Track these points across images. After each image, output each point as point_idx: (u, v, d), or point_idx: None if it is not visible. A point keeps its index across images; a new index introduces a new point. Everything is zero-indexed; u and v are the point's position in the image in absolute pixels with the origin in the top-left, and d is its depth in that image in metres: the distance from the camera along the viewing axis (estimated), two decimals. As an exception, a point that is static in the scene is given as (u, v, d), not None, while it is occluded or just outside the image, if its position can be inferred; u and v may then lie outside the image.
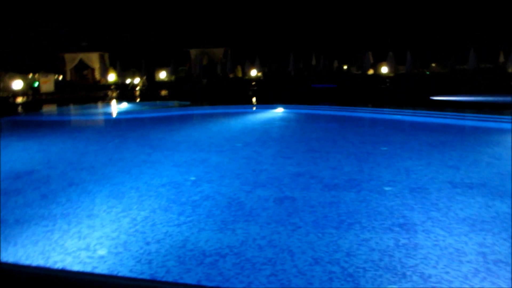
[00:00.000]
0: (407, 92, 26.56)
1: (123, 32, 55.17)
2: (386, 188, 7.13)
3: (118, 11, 54.69)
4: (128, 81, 46.83)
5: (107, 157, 9.51)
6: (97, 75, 51.07)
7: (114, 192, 6.93)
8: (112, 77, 49.72)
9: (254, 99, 22.75)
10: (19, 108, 23.17)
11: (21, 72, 43.09)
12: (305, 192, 7.05)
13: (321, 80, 29.02)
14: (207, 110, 19.21)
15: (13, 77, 36.72)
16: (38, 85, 39.59)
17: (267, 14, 52.49)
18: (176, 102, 22.41)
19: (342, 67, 47.30)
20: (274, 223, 5.70)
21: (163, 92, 35.14)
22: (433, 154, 9.59)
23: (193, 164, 8.77)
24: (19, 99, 31.01)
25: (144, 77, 46.69)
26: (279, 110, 17.79)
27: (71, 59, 49.89)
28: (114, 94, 34.14)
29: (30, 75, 46.63)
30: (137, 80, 46.15)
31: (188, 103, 21.57)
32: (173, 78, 48.16)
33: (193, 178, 7.80)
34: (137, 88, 38.09)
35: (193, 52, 50.17)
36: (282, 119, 16.01)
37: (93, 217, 5.83)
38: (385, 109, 16.85)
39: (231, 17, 53.30)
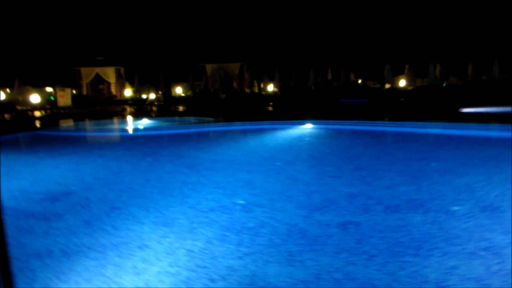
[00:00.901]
0: (435, 105, 25.84)
1: (139, 47, 55.15)
2: (454, 208, 6.54)
3: (134, 25, 54.74)
4: (144, 96, 46.62)
5: (144, 177, 8.94)
6: (113, 89, 50.96)
7: (161, 218, 6.35)
8: (128, 92, 49.62)
9: (279, 115, 22.14)
10: (40, 122, 22.73)
11: (38, 86, 43.12)
12: (367, 215, 6.45)
13: (347, 94, 28.47)
14: (233, 126, 18.68)
15: (31, 91, 36.65)
16: (55, 99, 39.48)
17: (283, 30, 52.19)
18: (199, 118, 21.86)
19: (357, 81, 46.77)
20: (344, 252, 5.11)
21: (181, 108, 34.69)
22: (490, 169, 8.93)
23: (238, 186, 8.18)
24: (38, 113, 30.77)
25: (160, 92, 46.46)
26: (308, 126, 17.19)
27: (88, 74, 49.85)
28: (133, 110, 33.74)
29: (47, 89, 46.67)
30: (152, 96, 45.89)
31: (211, 119, 21.04)
32: (189, 93, 47.94)
33: (242, 202, 7.20)
34: (155, 103, 37.63)
35: (209, 67, 49.93)
36: (314, 135, 15.42)
37: (146, 248, 5.25)
38: (419, 123, 16.19)
39: (248, 32, 53.07)
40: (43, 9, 52.68)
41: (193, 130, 18.26)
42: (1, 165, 10.39)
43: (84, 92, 50.38)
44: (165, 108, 33.97)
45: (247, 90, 45.85)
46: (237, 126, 18.67)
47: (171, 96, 46.62)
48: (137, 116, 27.76)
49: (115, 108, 38.73)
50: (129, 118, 25.38)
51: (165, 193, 7.67)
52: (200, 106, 33.53)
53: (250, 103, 34.06)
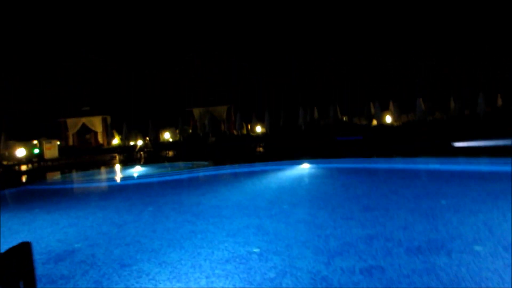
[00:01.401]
0: (427, 140, 25.91)
1: (125, 94, 55.23)
2: (477, 248, 6.35)
3: (119, 72, 54.97)
4: (132, 143, 46.32)
5: (149, 229, 8.57)
6: (100, 138, 50.62)
7: (176, 274, 6.03)
8: (115, 140, 49.30)
9: (273, 155, 21.95)
10: (29, 177, 22.18)
11: (23, 140, 42.62)
12: (390, 259, 6.20)
13: (337, 132, 28.49)
14: (229, 170, 18.39)
15: (16, 145, 36.10)
16: (40, 151, 38.90)
17: (265, 70, 52.82)
18: (193, 163, 21.55)
19: (343, 118, 47.01)
20: (376, 301, 4.85)
21: (171, 153, 34.36)
22: (503, 206, 8.76)
23: (249, 232, 7.87)
24: (24, 167, 30.17)
25: (148, 138, 46.17)
26: (306, 166, 17.00)
27: (74, 124, 49.57)
28: (123, 157, 33.32)
29: (34, 142, 46.12)
30: (140, 142, 45.55)
31: (205, 163, 20.75)
32: (178, 138, 47.79)
33: (257, 250, 6.89)
34: (145, 150, 37.24)
35: (196, 111, 50.04)
36: (313, 175, 15.20)
37: (167, 310, 4.89)
38: (417, 159, 16.11)
39: (233, 75, 53.60)
40: (24, 61, 52.78)
41: (189, 175, 17.95)
42: (3, 226, 9.96)
43: (71, 142, 49.92)
44: (155, 154, 33.60)
45: (235, 132, 45.83)
46: (233, 169, 18.39)
47: (160, 142, 46.34)
48: (128, 164, 27.33)
49: (104, 157, 38.27)
50: (121, 167, 24.93)
51: (175, 245, 7.32)
52: (190, 151, 33.28)
53: (241, 145, 33.89)
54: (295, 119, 39.06)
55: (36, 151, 38.57)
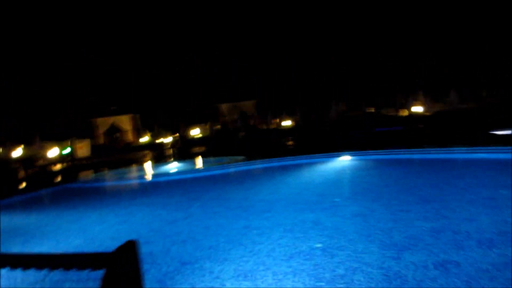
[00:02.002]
0: (464, 129, 25.17)
1: (154, 93, 55.51)
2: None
3: (145, 71, 55.24)
4: (163, 140, 46.51)
5: (202, 225, 8.38)
6: (129, 136, 51.00)
7: (240, 272, 5.83)
8: (145, 137, 49.64)
9: (309, 149, 21.56)
10: (66, 175, 22.31)
11: (55, 140, 43.21)
12: (463, 252, 5.89)
13: (369, 124, 27.97)
14: (269, 163, 18.09)
15: (49, 146, 36.60)
16: (71, 151, 39.37)
17: (295, 63, 52.35)
18: (229, 158, 21.32)
19: (371, 110, 46.21)
20: (460, 298, 4.54)
21: (200, 149, 34.25)
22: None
23: (306, 227, 7.60)
24: (59, 166, 30.51)
25: (177, 135, 46.29)
26: (347, 158, 16.60)
27: (103, 123, 50.07)
28: (155, 154, 33.39)
29: (65, 142, 46.78)
30: (169, 139, 45.71)
31: (243, 157, 20.50)
32: (206, 133, 47.86)
33: (319, 245, 6.61)
34: (176, 146, 37.27)
35: (224, 107, 49.94)
36: (357, 167, 14.78)
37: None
38: (462, 148, 15.54)
39: (261, 69, 53.34)
40: (55, 63, 53.49)
41: (229, 170, 17.72)
42: (46, 223, 9.91)
43: (101, 141, 50.46)
44: (185, 151, 33.56)
45: (264, 126, 45.58)
46: (273, 163, 18.08)
47: (189, 138, 46.41)
48: (161, 160, 27.30)
49: (135, 155, 38.48)
50: (157, 163, 24.88)
51: (233, 242, 7.10)
52: (221, 146, 33.13)
53: (272, 139, 33.58)
54: (325, 112, 38.63)
55: (67, 151, 39.03)
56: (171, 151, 35.07)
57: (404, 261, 5.77)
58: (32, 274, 3.58)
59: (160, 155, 32.76)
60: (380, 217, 7.92)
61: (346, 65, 50.44)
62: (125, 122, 50.08)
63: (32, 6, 47.67)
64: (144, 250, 7.01)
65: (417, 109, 42.15)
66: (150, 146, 44.54)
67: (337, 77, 50.81)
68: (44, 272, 2.95)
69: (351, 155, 16.87)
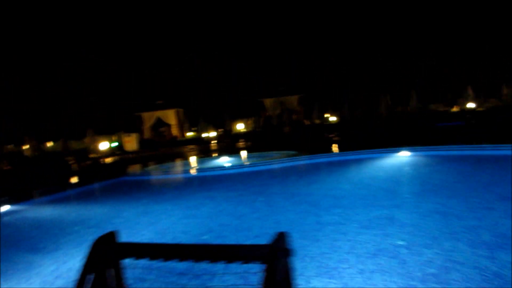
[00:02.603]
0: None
1: (198, 88, 55.91)
2: None
3: (193, 68, 55.69)
4: (206, 134, 46.79)
5: (271, 220, 8.25)
6: (174, 131, 51.52)
7: (324, 269, 5.63)
8: (189, 132, 50.08)
9: (361, 144, 21.14)
10: (122, 168, 22.61)
11: (104, 134, 44.17)
12: None
13: (418, 119, 27.20)
14: (324, 158, 17.81)
15: (99, 139, 37.39)
16: (119, 144, 40.12)
17: (343, 59, 51.65)
18: (281, 152, 21.12)
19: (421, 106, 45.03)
20: None
21: (244, 143, 34.18)
22: None
23: (382, 224, 7.34)
24: (110, 159, 31.09)
25: (222, 130, 46.43)
26: (406, 154, 16.12)
27: (149, 118, 50.71)
28: (202, 149, 33.59)
29: (114, 136, 47.73)
30: (213, 134, 45.92)
31: (294, 152, 20.28)
32: (250, 128, 47.87)
33: (402, 243, 6.34)
34: (223, 141, 37.38)
35: (267, 101, 49.75)
36: (420, 163, 14.28)
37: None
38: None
39: (306, 65, 52.91)
40: (98, 59, 54.62)
41: (286, 164, 17.52)
42: (114, 215, 9.99)
43: (146, 136, 51.17)
44: (231, 145, 33.62)
45: (307, 122, 45.19)
46: (328, 158, 17.79)
47: (233, 133, 46.50)
48: (210, 155, 27.36)
49: (182, 149, 38.87)
50: (207, 158, 24.93)
51: (309, 238, 6.93)
52: (267, 140, 32.99)
53: (318, 134, 33.20)
54: (371, 107, 37.89)
55: (115, 144, 39.81)
56: (217, 145, 35.20)
57: (500, 261, 5.45)
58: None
59: (207, 150, 32.91)
60: (462, 214, 7.57)
61: (392, 59, 49.36)
62: (170, 116, 50.60)
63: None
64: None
65: (470, 105, 40.91)
66: (196, 140, 44.90)
67: (383, 71, 49.83)
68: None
69: (410, 150, 16.37)
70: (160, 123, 52.41)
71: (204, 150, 32.64)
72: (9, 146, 37.13)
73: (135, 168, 22.54)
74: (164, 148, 42.35)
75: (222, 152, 28.17)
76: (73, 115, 49.97)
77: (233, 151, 27.57)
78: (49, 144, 42.44)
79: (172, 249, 2.94)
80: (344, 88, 47.55)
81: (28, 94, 50.41)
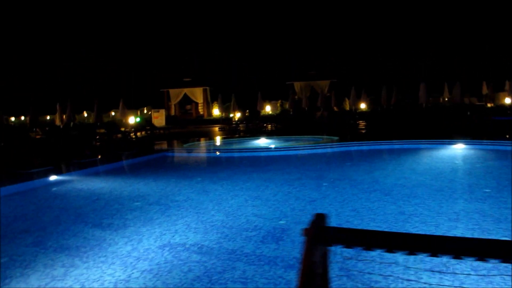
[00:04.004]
0: None
1: (225, 66, 55.35)
2: None
3: (223, 47, 55.10)
4: (232, 115, 46.27)
5: (348, 207, 7.72)
6: (201, 109, 51.10)
7: (431, 264, 5.03)
8: (216, 111, 49.64)
9: (403, 133, 20.39)
10: (158, 143, 22.17)
11: (131, 108, 43.93)
12: None
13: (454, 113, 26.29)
14: (373, 146, 17.18)
15: (128, 113, 37.10)
16: (141, 120, 39.80)
17: (376, 44, 50.53)
18: (322, 137, 20.51)
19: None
20: None
21: (274, 126, 33.53)
22: None
23: (475, 218, 6.77)
24: (140, 134, 30.81)
25: (247, 111, 45.84)
26: (460, 146, 15.39)
27: (176, 95, 50.31)
28: (231, 128, 33.09)
29: (143, 110, 47.53)
30: (238, 114, 45.34)
31: (336, 138, 19.66)
32: (278, 111, 47.23)
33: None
34: (251, 122, 36.77)
35: (297, 85, 48.91)
36: (481, 156, 13.60)
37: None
38: None
39: (338, 49, 51.92)
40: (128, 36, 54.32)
41: (335, 150, 16.93)
42: (173, 192, 9.53)
43: (172, 112, 50.80)
44: (262, 127, 33.04)
45: (335, 108, 44.33)
46: (377, 145, 17.14)
47: (259, 115, 45.82)
48: (244, 135, 26.83)
49: (210, 128, 38.48)
50: (243, 138, 24.40)
51: (398, 229, 6.35)
52: (297, 124, 32.30)
53: (350, 121, 32.47)
54: (407, 97, 36.91)
55: (138, 119, 39.44)
56: (247, 126, 34.65)
57: None
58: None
59: (237, 130, 32.40)
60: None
61: (428, 50, 48.10)
62: (197, 94, 50.09)
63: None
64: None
65: (507, 100, 39.73)
66: (223, 120, 44.44)
67: (420, 62, 48.65)
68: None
69: (465, 143, 15.63)
70: (187, 101, 51.95)
71: (234, 131, 32.13)
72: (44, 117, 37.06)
73: (172, 144, 22.04)
74: (192, 126, 42.02)
75: (254, 133, 27.63)
76: (103, 87, 49.88)
77: (265, 133, 27.06)
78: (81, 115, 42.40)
79: (401, 239, 2.38)
80: (379, 75, 46.51)
81: (60, 66, 50.48)
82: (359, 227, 6.62)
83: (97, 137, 26.68)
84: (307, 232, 2.31)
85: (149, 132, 32.46)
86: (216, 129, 37.13)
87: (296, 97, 47.51)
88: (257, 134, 25.96)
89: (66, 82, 49.81)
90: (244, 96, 46.90)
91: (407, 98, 38.00)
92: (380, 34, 50.86)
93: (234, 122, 36.13)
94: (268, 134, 25.83)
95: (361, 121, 33.46)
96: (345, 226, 6.70)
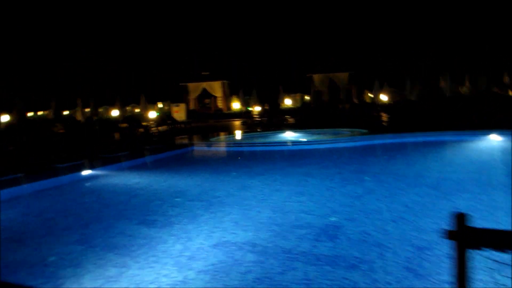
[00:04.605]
0: None
1: (243, 60, 55.01)
2: None
3: (237, 38, 54.72)
4: (252, 108, 45.94)
5: (398, 202, 7.34)
6: (220, 103, 50.89)
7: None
8: (236, 105, 49.38)
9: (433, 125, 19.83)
10: (186, 138, 21.89)
11: (150, 103, 43.81)
12: None
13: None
14: (403, 139, 16.71)
15: (149, 107, 37.03)
16: (159, 114, 39.69)
17: (396, 36, 49.72)
18: (352, 130, 20.05)
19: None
20: None
21: (295, 120, 33.06)
22: None
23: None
24: (161, 128, 30.68)
25: (266, 105, 45.40)
26: (497, 138, 14.87)
27: (195, 89, 50.09)
28: (252, 122, 32.77)
29: (161, 105, 47.44)
30: (257, 108, 44.94)
31: (365, 131, 19.22)
32: (298, 104, 46.82)
33: None
34: (273, 116, 36.40)
35: (316, 77, 48.33)
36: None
37: None
38: None
39: (357, 40, 51.22)
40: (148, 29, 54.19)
41: (366, 143, 16.49)
42: (213, 187, 9.27)
43: (191, 107, 50.58)
44: (283, 120, 32.65)
45: (355, 101, 43.75)
46: (409, 138, 16.69)
47: (279, 109, 45.42)
48: (268, 129, 26.47)
49: (230, 122, 38.25)
50: (270, 131, 24.01)
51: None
52: (321, 117, 31.83)
53: (374, 114, 31.92)
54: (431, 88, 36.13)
55: (156, 114, 39.26)
56: (268, 120, 34.29)
57: None
58: None
59: (259, 124, 32.08)
60: None
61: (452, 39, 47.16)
62: (216, 88, 49.82)
63: None
64: (354, 228, 6.11)
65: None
66: (243, 114, 44.14)
67: (442, 52, 47.73)
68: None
69: (501, 134, 15.07)
70: (206, 95, 51.70)
71: (257, 124, 31.82)
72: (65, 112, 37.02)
73: (199, 138, 21.75)
74: (212, 120, 41.80)
75: (277, 127, 27.27)
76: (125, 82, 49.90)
77: (288, 127, 26.69)
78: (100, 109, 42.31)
79: None
80: (402, 67, 45.73)
81: (82, 62, 50.56)
82: (414, 224, 6.30)
83: (123, 131, 26.59)
84: (454, 234, 2.01)
85: (171, 126, 32.30)
86: (237, 123, 36.88)
87: (316, 89, 47.03)
88: (280, 128, 25.63)
89: (84, 78, 49.85)
90: (264, 90, 46.50)
91: (430, 89, 37.24)
92: (400, 24, 50.02)
93: (255, 116, 35.73)
94: (291, 128, 25.45)
95: (384, 113, 32.86)
96: (399, 222, 6.40)
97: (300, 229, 6.21)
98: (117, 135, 25.65)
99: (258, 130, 26.41)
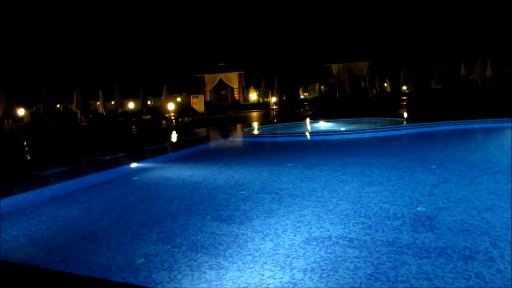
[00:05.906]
0: None
1: (262, 51, 54.51)
2: None
3: (254, 29, 54.19)
4: (269, 99, 45.58)
5: (481, 189, 6.87)
6: (236, 94, 50.52)
7: None
8: (253, 96, 48.98)
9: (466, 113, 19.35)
10: (216, 129, 21.54)
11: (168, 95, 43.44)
12: None
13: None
14: (449, 126, 16.34)
15: (170, 98, 36.71)
16: (176, 105, 39.40)
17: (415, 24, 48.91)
18: (386, 119, 19.58)
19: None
20: None
21: (318, 109, 32.63)
22: None
23: None
24: (185, 119, 30.37)
25: (284, 96, 44.94)
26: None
27: (211, 80, 49.72)
28: (276, 113, 32.32)
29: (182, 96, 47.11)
30: (274, 99, 44.56)
31: (401, 119, 18.80)
32: (316, 94, 46.40)
33: None
34: (298, 106, 35.94)
35: (335, 67, 47.75)
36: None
37: None
38: None
39: (377, 29, 50.49)
40: (166, 21, 53.79)
41: (410, 131, 16.13)
42: (272, 180, 8.85)
43: (208, 98, 50.24)
44: (306, 111, 32.24)
45: (375, 90, 43.14)
46: (441, 127, 16.32)
47: (298, 99, 44.96)
48: (290, 119, 26.03)
49: (249, 112, 37.88)
50: (300, 122, 23.56)
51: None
52: (348, 107, 31.42)
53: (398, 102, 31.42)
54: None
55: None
56: (290, 111, 33.89)
57: None
58: None
59: (279, 114, 31.63)
60: None
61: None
62: (232, 79, 49.39)
63: None
64: (452, 218, 5.66)
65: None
66: (261, 105, 43.78)
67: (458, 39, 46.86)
68: None
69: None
70: (222, 86, 51.36)
71: (280, 115, 31.37)
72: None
73: (232, 129, 21.35)
74: (231, 111, 41.44)
75: (299, 117, 26.85)
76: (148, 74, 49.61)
77: (309, 117, 26.27)
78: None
79: None
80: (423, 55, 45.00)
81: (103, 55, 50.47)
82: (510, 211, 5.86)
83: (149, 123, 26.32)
84: None
85: (194, 117, 31.98)
86: (256, 114, 36.48)
87: (334, 79, 46.53)
88: (303, 119, 25.21)
89: (102, 70, 49.70)
90: (283, 80, 45.96)
91: (460, 76, 36.57)
92: (420, 12, 49.23)
93: (277, 106, 35.27)
94: (315, 118, 24.97)
95: (407, 101, 32.33)
96: (496, 210, 5.96)
97: (391, 220, 5.82)
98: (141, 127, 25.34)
99: (281, 120, 25.91)
